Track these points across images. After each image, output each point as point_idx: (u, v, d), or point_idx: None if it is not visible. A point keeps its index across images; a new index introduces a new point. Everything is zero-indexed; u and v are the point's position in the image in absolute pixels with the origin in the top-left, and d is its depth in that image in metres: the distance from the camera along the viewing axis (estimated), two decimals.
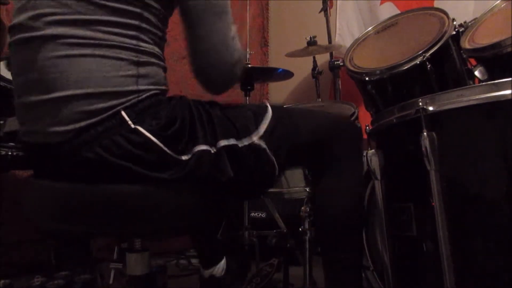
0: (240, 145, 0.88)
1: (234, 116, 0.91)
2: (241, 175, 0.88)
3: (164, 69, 0.90)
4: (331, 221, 1.04)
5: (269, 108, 0.96)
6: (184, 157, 0.82)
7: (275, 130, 0.93)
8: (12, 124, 1.42)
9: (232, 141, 0.87)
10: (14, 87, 0.87)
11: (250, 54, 2.19)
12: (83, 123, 0.78)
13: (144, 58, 0.83)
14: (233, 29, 0.91)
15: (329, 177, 1.03)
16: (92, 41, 0.79)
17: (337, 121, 1.09)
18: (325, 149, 1.01)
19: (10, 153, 1.44)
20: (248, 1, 2.77)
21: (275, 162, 0.93)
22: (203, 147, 0.84)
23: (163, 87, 0.87)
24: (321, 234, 1.11)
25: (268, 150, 0.91)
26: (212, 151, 0.85)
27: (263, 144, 0.90)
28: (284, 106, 1.05)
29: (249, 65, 2.00)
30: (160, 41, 0.89)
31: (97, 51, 0.79)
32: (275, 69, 2.16)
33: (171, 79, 2.69)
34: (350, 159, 1.03)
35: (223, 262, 1.45)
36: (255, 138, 0.90)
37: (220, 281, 1.43)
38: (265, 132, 0.92)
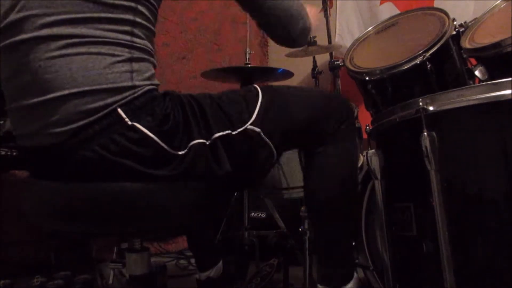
0: (234, 133, 0.88)
1: (225, 105, 0.91)
2: (239, 163, 0.88)
3: (154, 66, 0.90)
4: (322, 197, 1.04)
5: (260, 91, 0.97)
6: (180, 152, 0.82)
7: (268, 112, 0.93)
8: None
9: (226, 131, 0.87)
10: (5, 92, 0.85)
11: (250, 54, 2.19)
12: (80, 123, 0.77)
13: (137, 54, 0.83)
14: None
15: (323, 151, 1.03)
16: (87, 39, 0.78)
17: (328, 98, 1.09)
18: (318, 125, 1.02)
19: (10, 153, 1.44)
20: None
21: (271, 145, 0.93)
22: (198, 140, 0.84)
23: (155, 82, 0.88)
24: (312, 210, 1.11)
25: (262, 134, 0.91)
26: (207, 143, 0.85)
27: (257, 129, 0.91)
28: (274, 86, 1.05)
29: (249, 65, 2.01)
30: (151, 35, 0.89)
31: (92, 49, 0.78)
32: (275, 69, 2.16)
33: (171, 79, 2.69)
34: (343, 133, 1.03)
35: (219, 264, 1.45)
36: (248, 124, 0.90)
37: (216, 282, 1.43)
38: (258, 116, 0.92)
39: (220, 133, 0.87)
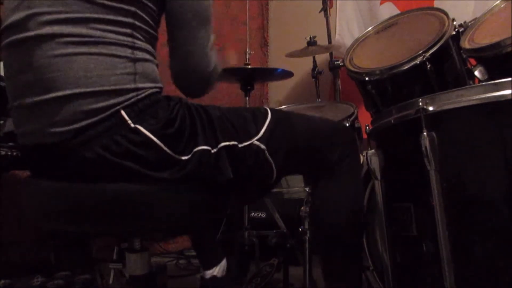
0: (239, 145, 0.89)
1: (234, 118, 0.92)
2: (240, 175, 0.89)
3: (157, 66, 0.90)
4: (329, 229, 1.04)
5: (269, 111, 0.97)
6: (184, 157, 0.82)
7: (274, 132, 0.94)
8: (12, 124, 1.42)
9: (232, 142, 0.88)
10: (8, 89, 0.86)
11: (250, 54, 2.19)
12: (82, 123, 0.77)
13: (140, 55, 0.84)
14: (212, 39, 0.96)
15: (327, 183, 1.03)
16: (87, 39, 0.79)
17: (335, 127, 1.09)
18: (322, 154, 1.02)
19: (10, 153, 1.43)
20: (248, 1, 2.77)
21: (273, 164, 0.93)
22: (203, 147, 0.84)
23: (159, 84, 0.88)
24: (320, 240, 1.11)
25: (267, 152, 0.92)
26: (212, 151, 0.85)
27: (262, 146, 0.91)
28: (283, 110, 1.06)
29: (249, 65, 2.01)
30: (153, 40, 0.90)
31: (93, 49, 0.79)
32: (275, 69, 2.16)
33: (170, 79, 2.69)
34: (347, 164, 1.03)
35: (223, 262, 1.45)
36: (254, 139, 0.91)
37: (221, 281, 1.43)
38: (265, 134, 0.92)
39: (226, 143, 0.87)
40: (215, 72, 0.98)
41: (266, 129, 0.93)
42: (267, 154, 0.92)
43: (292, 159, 0.99)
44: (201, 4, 0.91)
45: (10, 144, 1.43)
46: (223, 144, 0.87)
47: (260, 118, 0.95)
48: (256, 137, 0.91)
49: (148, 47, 0.87)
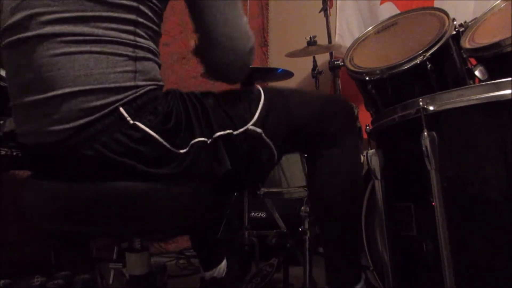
0: (235, 132, 0.88)
1: (228, 105, 0.91)
2: (239, 163, 0.88)
3: (159, 66, 0.90)
4: (329, 199, 1.04)
5: (262, 92, 0.96)
6: (182, 151, 0.82)
7: (269, 114, 0.93)
8: (12, 123, 1.42)
9: (227, 131, 0.88)
10: (9, 89, 0.86)
11: None
12: (81, 121, 0.77)
13: (141, 54, 0.83)
14: (245, 16, 0.92)
15: (325, 155, 1.03)
16: (89, 38, 0.78)
17: (330, 100, 1.08)
18: (319, 127, 1.02)
19: (10, 153, 1.43)
20: (248, 1, 2.78)
21: (273, 146, 0.93)
22: (200, 139, 0.84)
23: (160, 83, 0.87)
24: (319, 214, 1.11)
25: (264, 135, 0.91)
26: (208, 142, 0.85)
27: (258, 130, 0.91)
28: (275, 87, 1.04)
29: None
30: (156, 36, 0.89)
31: (95, 48, 0.78)
32: (275, 69, 2.16)
33: (171, 79, 2.69)
34: (345, 135, 1.03)
35: (223, 263, 1.45)
36: (249, 124, 0.90)
37: (221, 282, 1.43)
38: (259, 117, 0.92)
39: (222, 132, 0.87)
40: (253, 49, 0.93)
41: (260, 112, 0.92)
42: (265, 136, 0.92)
43: (290, 136, 0.98)
44: None
45: (10, 144, 1.43)
46: (218, 134, 0.86)
47: (254, 100, 0.94)
48: (251, 122, 0.91)
49: (151, 45, 0.86)
